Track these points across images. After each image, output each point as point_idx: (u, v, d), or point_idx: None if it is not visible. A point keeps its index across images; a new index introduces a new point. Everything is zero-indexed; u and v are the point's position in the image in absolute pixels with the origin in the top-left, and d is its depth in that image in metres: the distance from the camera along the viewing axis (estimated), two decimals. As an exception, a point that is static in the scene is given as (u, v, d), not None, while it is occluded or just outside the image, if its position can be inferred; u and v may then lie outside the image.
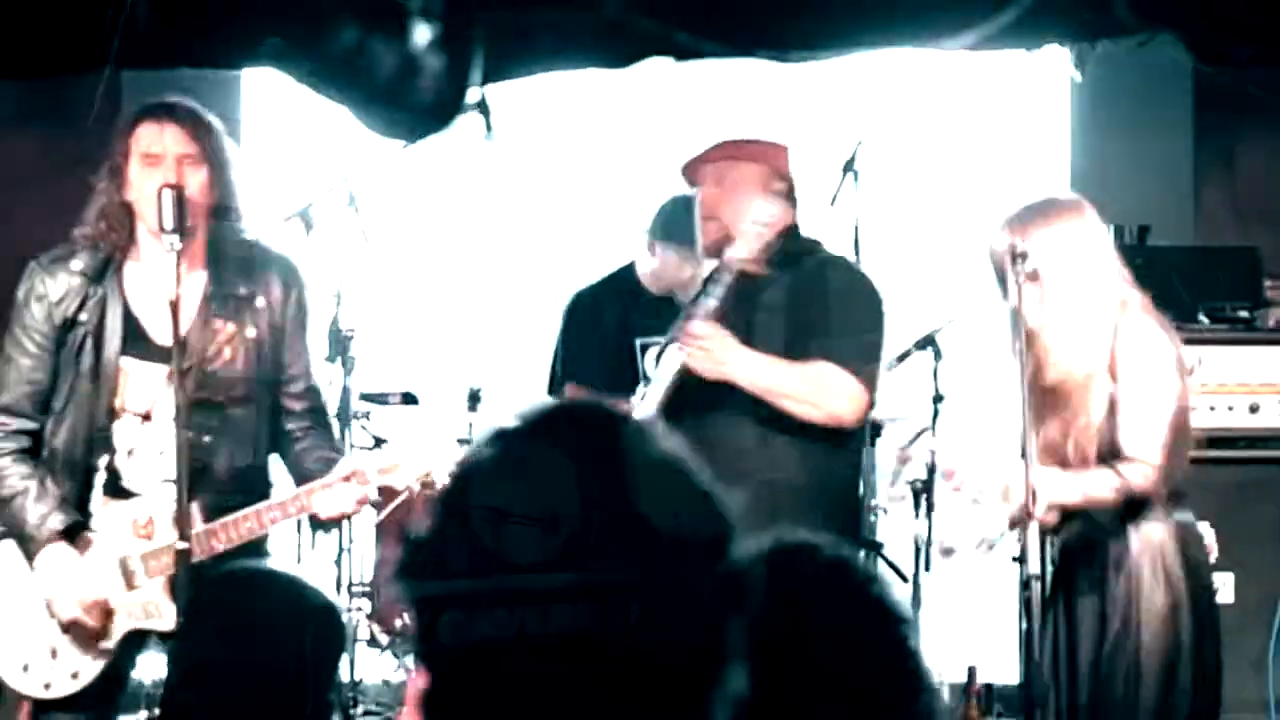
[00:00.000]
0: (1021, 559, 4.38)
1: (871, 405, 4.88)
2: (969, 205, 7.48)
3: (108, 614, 4.44)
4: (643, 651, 1.57)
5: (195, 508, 4.37)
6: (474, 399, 6.88)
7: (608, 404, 1.71)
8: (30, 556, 4.47)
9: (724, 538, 1.62)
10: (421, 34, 6.09)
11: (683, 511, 1.61)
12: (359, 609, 6.82)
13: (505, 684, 1.57)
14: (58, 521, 4.42)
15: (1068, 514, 4.52)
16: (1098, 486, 4.44)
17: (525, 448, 1.63)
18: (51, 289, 4.48)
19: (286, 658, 2.92)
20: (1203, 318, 6.33)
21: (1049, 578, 4.51)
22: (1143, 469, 4.42)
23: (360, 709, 6.83)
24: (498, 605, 1.57)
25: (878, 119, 7.56)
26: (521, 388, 6.88)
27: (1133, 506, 4.46)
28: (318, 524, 6.40)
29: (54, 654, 4.47)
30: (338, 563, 6.69)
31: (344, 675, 6.53)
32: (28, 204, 7.36)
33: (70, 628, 4.45)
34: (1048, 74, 7.61)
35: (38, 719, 4.52)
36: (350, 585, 6.77)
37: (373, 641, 6.93)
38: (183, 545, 4.27)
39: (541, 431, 1.65)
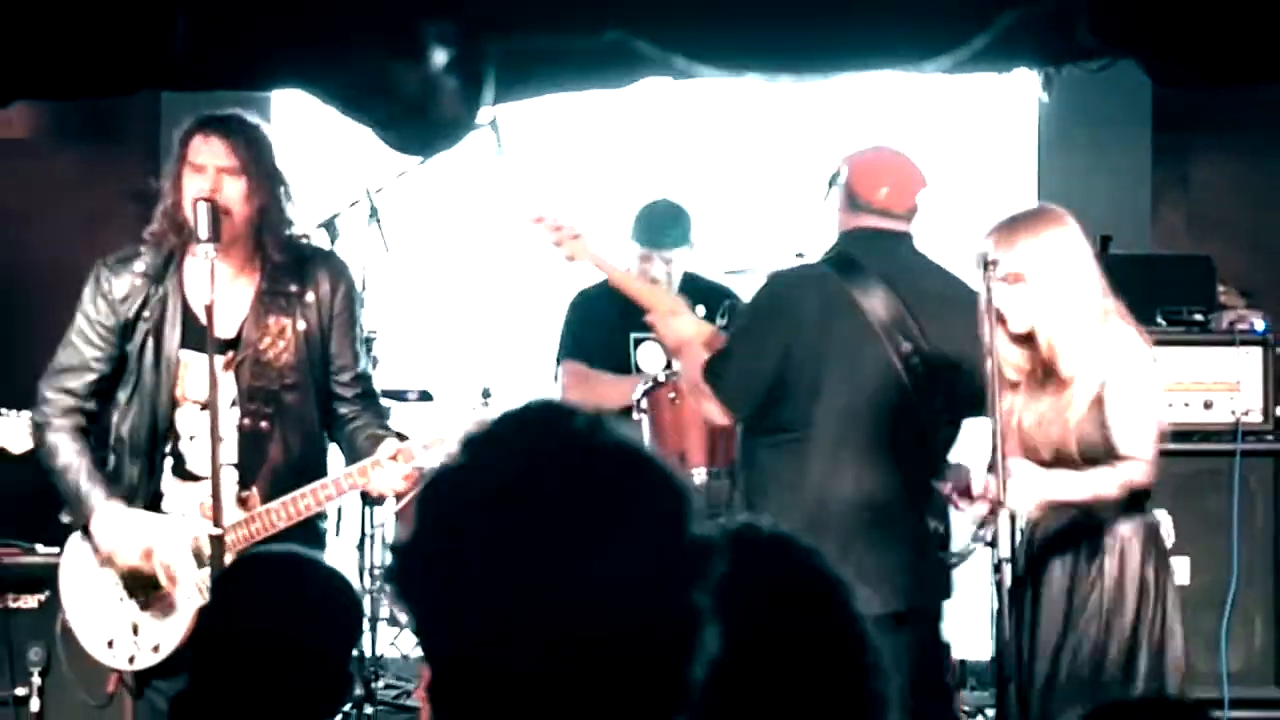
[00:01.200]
0: (993, 543, 4.47)
1: (733, 409, 4.94)
2: (944, 216, 7.77)
3: (179, 583, 4.59)
4: (624, 628, 1.61)
5: (255, 489, 4.59)
6: (485, 396, 7.13)
7: (559, 401, 1.76)
8: (85, 523, 4.59)
9: (684, 510, 1.67)
10: (438, 59, 6.36)
11: (643, 488, 1.66)
12: (380, 589, 6.90)
13: (500, 679, 1.62)
14: (101, 496, 4.56)
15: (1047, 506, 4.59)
16: (1104, 484, 4.51)
17: (486, 452, 1.68)
18: (116, 287, 4.63)
19: (304, 637, 2.97)
20: (1160, 320, 6.33)
21: (1023, 563, 4.54)
22: (1140, 466, 4.53)
23: (381, 683, 6.95)
24: (483, 602, 1.61)
25: (861, 135, 7.93)
26: (529, 385, 6.95)
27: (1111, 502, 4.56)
28: (369, 500, 6.75)
29: (135, 630, 4.63)
30: (360, 547, 6.91)
31: (366, 651, 6.73)
32: (67, 214, 7.50)
33: (146, 603, 4.63)
34: (1017, 95, 7.74)
35: (140, 690, 4.65)
36: (372, 568, 6.93)
37: (393, 620, 7.07)
38: (216, 531, 4.45)
39: (500, 435, 1.69)
